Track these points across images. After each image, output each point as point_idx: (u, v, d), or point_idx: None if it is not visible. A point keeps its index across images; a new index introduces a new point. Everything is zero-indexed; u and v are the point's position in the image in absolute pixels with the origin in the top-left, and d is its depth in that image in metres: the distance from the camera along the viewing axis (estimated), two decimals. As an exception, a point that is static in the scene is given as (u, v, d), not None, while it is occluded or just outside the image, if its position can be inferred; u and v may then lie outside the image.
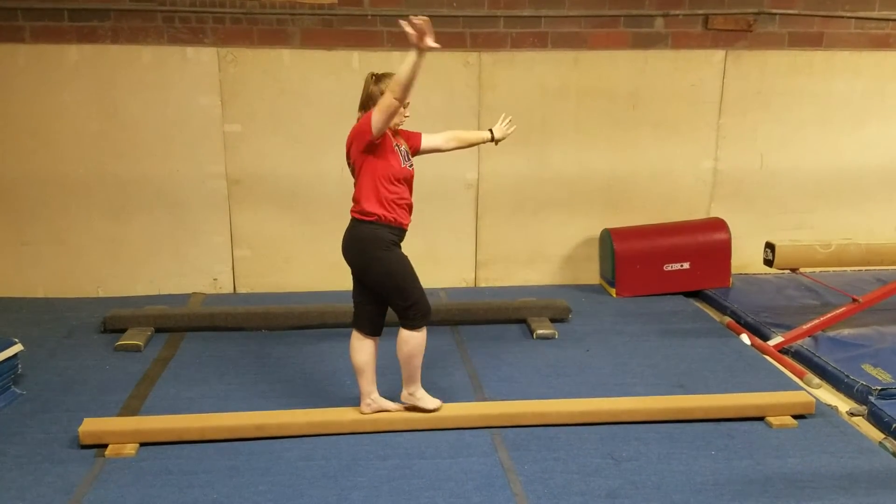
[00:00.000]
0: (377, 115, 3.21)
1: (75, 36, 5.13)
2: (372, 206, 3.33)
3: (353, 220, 3.41)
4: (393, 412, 3.62)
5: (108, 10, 5.11)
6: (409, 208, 3.46)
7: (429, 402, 3.61)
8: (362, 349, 3.53)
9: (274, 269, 5.65)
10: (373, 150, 3.31)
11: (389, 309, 3.54)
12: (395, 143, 3.41)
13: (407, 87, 3.14)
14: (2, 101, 5.17)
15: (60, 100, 5.20)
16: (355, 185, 3.40)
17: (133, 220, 5.45)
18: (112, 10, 5.11)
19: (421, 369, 3.55)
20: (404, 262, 3.42)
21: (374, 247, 3.35)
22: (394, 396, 3.67)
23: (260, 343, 4.68)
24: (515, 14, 5.40)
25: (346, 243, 3.43)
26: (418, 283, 3.44)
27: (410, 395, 3.59)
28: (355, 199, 3.39)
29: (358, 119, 3.39)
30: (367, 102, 3.36)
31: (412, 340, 3.45)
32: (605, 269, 5.83)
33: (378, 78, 3.36)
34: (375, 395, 3.59)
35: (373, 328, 3.53)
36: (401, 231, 3.43)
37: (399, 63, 5.34)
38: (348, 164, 3.45)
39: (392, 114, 3.20)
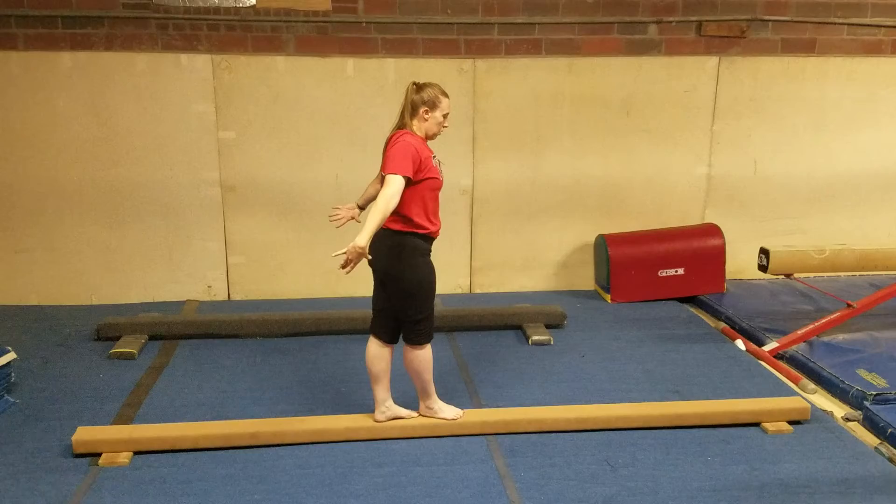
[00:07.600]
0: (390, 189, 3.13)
1: (69, 43, 5.12)
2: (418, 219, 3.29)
3: (389, 229, 3.29)
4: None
5: (101, 17, 5.10)
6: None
7: (448, 412, 3.62)
8: (381, 357, 3.50)
9: (268, 275, 5.64)
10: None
11: None
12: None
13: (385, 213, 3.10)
14: (-5, 109, 5.16)
15: (54, 107, 5.19)
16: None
17: (127, 227, 5.43)
18: (106, 17, 5.10)
19: (433, 382, 3.56)
20: (433, 277, 3.40)
21: (414, 253, 3.31)
22: (404, 404, 3.68)
23: (254, 350, 4.66)
24: (509, 21, 5.41)
25: (380, 250, 3.29)
26: (433, 300, 3.44)
27: (428, 408, 3.60)
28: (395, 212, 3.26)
29: (396, 132, 3.32)
30: (410, 110, 3.32)
31: (418, 357, 3.45)
32: (600, 275, 5.84)
33: (419, 87, 3.32)
34: (390, 402, 3.58)
35: (391, 336, 3.50)
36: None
37: (392, 70, 5.36)
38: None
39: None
